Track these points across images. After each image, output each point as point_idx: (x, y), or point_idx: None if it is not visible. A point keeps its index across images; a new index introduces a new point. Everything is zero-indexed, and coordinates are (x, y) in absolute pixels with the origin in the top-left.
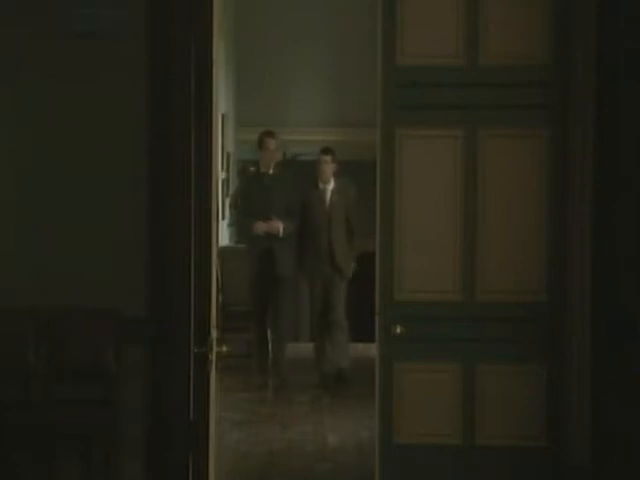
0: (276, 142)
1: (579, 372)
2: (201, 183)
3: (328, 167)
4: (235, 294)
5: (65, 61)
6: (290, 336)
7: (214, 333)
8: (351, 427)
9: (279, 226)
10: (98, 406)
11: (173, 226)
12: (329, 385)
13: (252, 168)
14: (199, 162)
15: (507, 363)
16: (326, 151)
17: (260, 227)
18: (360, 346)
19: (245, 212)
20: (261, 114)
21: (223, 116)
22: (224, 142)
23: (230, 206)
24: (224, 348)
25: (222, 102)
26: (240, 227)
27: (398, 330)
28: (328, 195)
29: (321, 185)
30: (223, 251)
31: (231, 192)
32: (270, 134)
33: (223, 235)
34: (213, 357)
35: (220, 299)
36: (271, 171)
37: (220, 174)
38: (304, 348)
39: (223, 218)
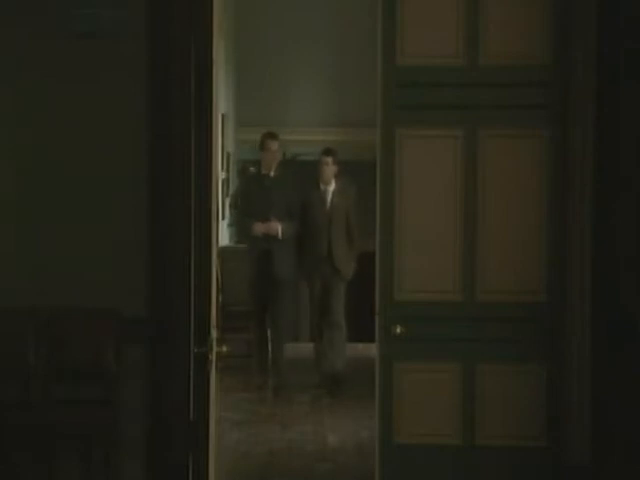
0: (278, 143)
1: (579, 372)
2: (201, 183)
3: (329, 169)
4: (235, 294)
5: (65, 61)
6: (290, 336)
7: (214, 333)
8: (351, 427)
9: (277, 227)
10: (98, 406)
11: (173, 226)
12: (327, 386)
13: (252, 168)
14: (199, 162)
15: (507, 363)
16: (327, 152)
17: (258, 228)
18: (360, 346)
19: (245, 212)
20: (261, 114)
21: (223, 116)
22: (224, 142)
23: (230, 206)
24: (224, 348)
25: (222, 102)
26: (240, 227)
27: (398, 330)
28: (329, 196)
29: (322, 186)
30: (223, 251)
31: (231, 192)
32: (272, 136)
33: (223, 235)
34: (213, 357)
35: (220, 299)
36: (272, 173)
37: (220, 174)
38: (304, 348)
39: (223, 218)
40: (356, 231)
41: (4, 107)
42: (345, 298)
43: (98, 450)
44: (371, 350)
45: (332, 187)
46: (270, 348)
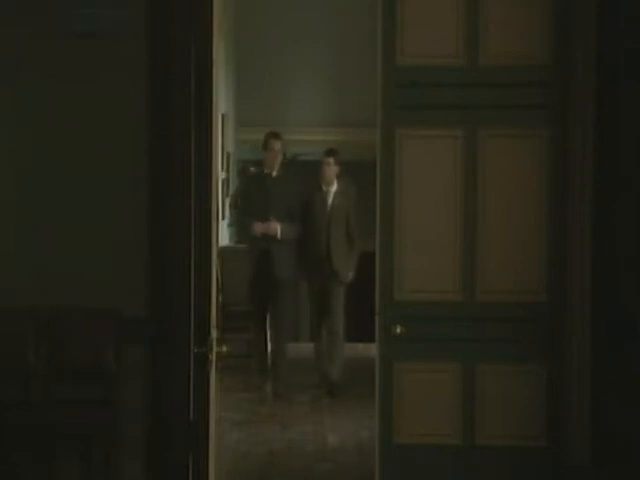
0: (281, 143)
1: (579, 372)
2: (201, 183)
3: (331, 169)
4: (235, 294)
5: (65, 61)
6: (290, 336)
7: (214, 333)
8: (351, 427)
9: (276, 227)
10: (98, 406)
11: (173, 226)
12: (327, 387)
13: (252, 168)
14: (199, 162)
15: (507, 363)
16: (329, 153)
17: (258, 228)
18: (360, 346)
19: (245, 212)
20: (261, 114)
21: (223, 116)
22: (224, 142)
23: (230, 206)
24: (224, 348)
25: (222, 102)
26: (240, 227)
27: (398, 330)
28: (330, 197)
29: (324, 187)
30: (223, 251)
31: (231, 192)
32: (275, 135)
33: (223, 235)
34: (213, 357)
35: (220, 299)
36: (275, 173)
37: (220, 174)
38: (304, 348)
39: (223, 218)
40: (357, 232)
41: (4, 107)
42: (345, 298)
43: (98, 450)
44: (371, 350)
45: (334, 188)
46: (270, 348)
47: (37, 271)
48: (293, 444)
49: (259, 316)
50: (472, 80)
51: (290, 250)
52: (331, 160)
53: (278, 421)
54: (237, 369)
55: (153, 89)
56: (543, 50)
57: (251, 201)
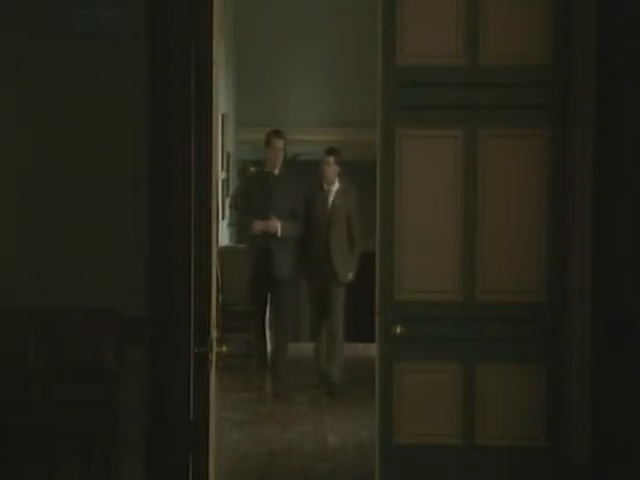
0: (283, 142)
1: (579, 372)
2: (201, 183)
3: (331, 168)
4: (235, 294)
5: (65, 61)
6: (290, 336)
7: (214, 333)
8: (351, 427)
9: (277, 225)
10: (98, 406)
11: (173, 226)
12: (327, 387)
13: (252, 168)
14: (199, 162)
15: (507, 363)
16: (330, 152)
17: (258, 226)
18: (360, 346)
19: (245, 210)
20: (261, 114)
21: (223, 116)
22: (224, 142)
23: (230, 206)
24: (224, 348)
25: (222, 102)
26: (240, 226)
27: (398, 330)
28: (331, 196)
29: (325, 186)
30: (223, 251)
31: (231, 192)
32: (278, 133)
33: (223, 235)
34: (213, 357)
35: (220, 299)
36: (277, 171)
37: (220, 174)
38: (304, 348)
39: (223, 218)
40: (357, 232)
41: (4, 107)
42: (345, 298)
43: (98, 450)
44: (371, 350)
45: (335, 187)
46: (270, 348)
47: (37, 271)
48: (293, 444)
49: (259, 316)
50: (472, 80)
51: (290, 249)
52: (331, 159)
53: (278, 421)
54: (237, 369)
55: (153, 89)
56: (543, 50)
57: (251, 200)
